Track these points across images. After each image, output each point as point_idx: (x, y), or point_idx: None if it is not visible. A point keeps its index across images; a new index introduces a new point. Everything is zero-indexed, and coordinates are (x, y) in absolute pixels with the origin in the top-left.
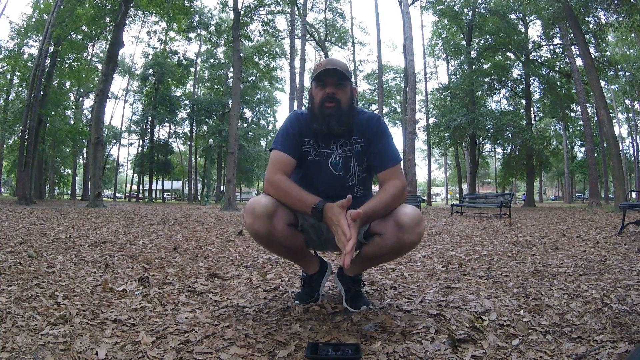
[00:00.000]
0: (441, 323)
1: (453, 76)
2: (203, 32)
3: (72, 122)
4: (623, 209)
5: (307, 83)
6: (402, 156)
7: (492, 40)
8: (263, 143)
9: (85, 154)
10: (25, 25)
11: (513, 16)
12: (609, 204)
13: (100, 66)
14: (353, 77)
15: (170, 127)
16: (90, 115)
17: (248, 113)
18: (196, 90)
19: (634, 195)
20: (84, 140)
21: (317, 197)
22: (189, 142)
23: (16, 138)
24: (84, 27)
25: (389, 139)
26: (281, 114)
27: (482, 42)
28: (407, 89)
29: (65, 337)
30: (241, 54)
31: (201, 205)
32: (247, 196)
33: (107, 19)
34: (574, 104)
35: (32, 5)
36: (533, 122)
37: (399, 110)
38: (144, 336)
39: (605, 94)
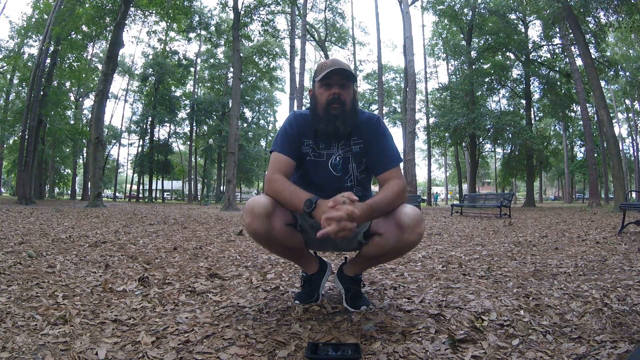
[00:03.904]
0: (441, 323)
1: (453, 76)
2: (203, 32)
3: (72, 122)
4: (623, 209)
5: (307, 83)
6: (402, 156)
7: (492, 40)
8: (263, 143)
9: (85, 154)
10: (25, 25)
11: (513, 16)
12: (609, 204)
13: (100, 66)
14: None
15: (170, 127)
16: (90, 115)
17: (248, 113)
18: (196, 90)
19: (634, 195)
20: (84, 140)
21: (311, 193)
22: (189, 142)
23: (16, 138)
24: (84, 27)
25: (389, 139)
26: (281, 114)
27: (482, 42)
28: (407, 89)
29: (65, 337)
30: (241, 54)
31: (201, 205)
32: (247, 196)
33: (107, 19)
34: (574, 104)
35: (32, 5)
36: (533, 122)
37: (399, 110)
38: (144, 336)
39: (605, 94)
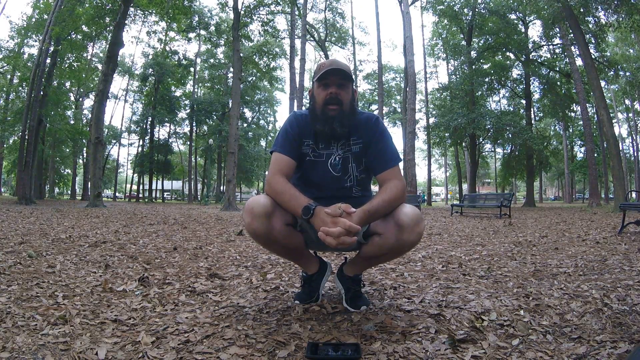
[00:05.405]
0: (441, 323)
1: (453, 76)
2: (203, 32)
3: (72, 122)
4: (623, 209)
5: (307, 83)
6: (401, 156)
7: (492, 40)
8: (263, 143)
9: (85, 154)
10: (25, 25)
11: (513, 16)
12: (609, 204)
13: (100, 66)
14: (353, 77)
15: (170, 127)
16: (90, 115)
17: (248, 113)
18: (196, 90)
19: (634, 195)
20: (84, 140)
21: (310, 199)
22: (189, 142)
23: (16, 138)
24: (84, 27)
25: (388, 139)
26: (281, 114)
27: (482, 42)
28: (407, 89)
29: (65, 337)
30: (241, 54)
31: (201, 205)
32: (247, 196)
33: (107, 19)
34: (574, 104)
35: (32, 5)
36: (533, 122)
37: (399, 110)
38: (144, 336)
39: (605, 94)
